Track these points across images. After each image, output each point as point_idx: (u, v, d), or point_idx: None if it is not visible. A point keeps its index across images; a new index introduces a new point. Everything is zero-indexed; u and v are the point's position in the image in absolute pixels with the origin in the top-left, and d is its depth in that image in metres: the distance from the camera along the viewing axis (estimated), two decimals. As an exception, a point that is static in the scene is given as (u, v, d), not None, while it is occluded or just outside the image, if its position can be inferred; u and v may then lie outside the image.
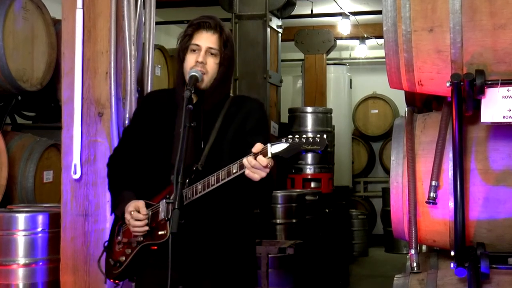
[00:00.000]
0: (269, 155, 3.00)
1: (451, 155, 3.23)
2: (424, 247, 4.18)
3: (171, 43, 10.88)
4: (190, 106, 3.20)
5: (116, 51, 4.29)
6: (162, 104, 3.51)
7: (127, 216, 3.36)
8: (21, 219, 4.58)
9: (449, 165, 3.26)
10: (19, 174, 5.87)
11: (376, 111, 14.77)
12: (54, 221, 4.58)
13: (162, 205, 3.34)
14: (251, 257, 3.59)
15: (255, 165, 3.01)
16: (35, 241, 4.58)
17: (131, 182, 3.53)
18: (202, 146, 3.39)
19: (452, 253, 3.14)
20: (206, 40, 3.38)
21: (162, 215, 3.32)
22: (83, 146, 4.30)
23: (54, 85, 6.31)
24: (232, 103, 3.50)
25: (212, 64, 3.39)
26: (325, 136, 3.00)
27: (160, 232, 3.31)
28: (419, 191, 3.35)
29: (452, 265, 3.09)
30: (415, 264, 3.36)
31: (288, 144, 2.99)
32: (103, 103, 4.30)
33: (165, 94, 3.60)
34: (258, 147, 3.03)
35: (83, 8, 4.32)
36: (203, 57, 3.37)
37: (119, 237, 3.51)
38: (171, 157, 3.37)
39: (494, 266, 3.13)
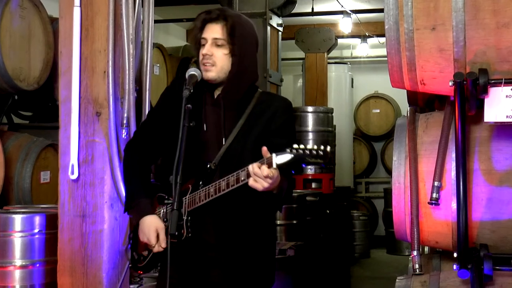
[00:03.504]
0: (274, 165, 2.95)
1: (453, 155, 3.20)
2: (426, 249, 4.17)
3: (170, 42, 10.88)
4: (189, 105, 3.18)
5: (114, 49, 4.25)
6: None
7: (148, 240, 3.33)
8: (17, 220, 4.53)
9: (452, 166, 3.23)
10: (15, 175, 5.83)
11: (378, 110, 14.73)
12: (51, 222, 4.54)
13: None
14: (269, 257, 3.54)
15: (257, 173, 2.97)
16: (32, 242, 4.53)
17: (147, 179, 3.51)
18: (224, 143, 3.36)
19: (455, 255, 3.10)
20: (211, 31, 3.35)
21: None
22: (80, 146, 4.26)
23: (51, 84, 6.28)
24: (259, 100, 3.44)
25: (220, 55, 3.34)
26: (328, 148, 2.94)
27: (177, 233, 3.25)
28: (422, 192, 3.32)
29: (455, 266, 3.05)
30: (417, 266, 3.34)
31: (292, 156, 2.93)
32: (101, 102, 4.26)
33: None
34: (264, 155, 3.00)
35: (80, 6, 4.29)
36: (208, 49, 3.33)
37: None
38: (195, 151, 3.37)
39: (497, 267, 3.09)
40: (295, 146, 2.94)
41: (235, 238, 3.37)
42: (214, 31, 3.34)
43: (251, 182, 3.02)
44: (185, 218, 3.28)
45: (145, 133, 3.58)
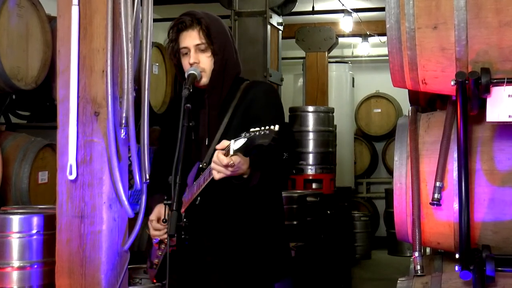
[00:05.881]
0: (231, 152, 2.89)
1: (455, 155, 3.18)
2: (428, 250, 4.16)
3: (170, 41, 10.86)
4: (188, 105, 3.19)
5: (113, 49, 4.21)
6: (179, 102, 3.47)
7: (148, 224, 3.37)
8: (15, 221, 4.50)
9: (454, 166, 3.21)
10: (13, 175, 5.80)
11: (379, 110, 14.72)
12: (49, 223, 4.51)
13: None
14: (270, 255, 3.51)
15: (215, 161, 2.93)
16: (30, 243, 4.51)
17: (164, 183, 3.54)
18: (206, 143, 3.35)
19: (457, 256, 3.08)
20: (189, 39, 3.37)
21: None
22: (79, 146, 4.22)
23: (49, 83, 6.28)
24: (243, 91, 3.46)
25: (205, 60, 3.37)
26: (276, 127, 2.83)
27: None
28: (423, 192, 3.29)
29: (456, 268, 3.03)
30: (419, 267, 3.32)
31: (245, 140, 2.86)
32: (100, 102, 4.22)
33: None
34: (223, 143, 2.96)
35: (79, 5, 4.24)
36: (194, 57, 3.36)
37: (155, 240, 3.57)
38: (191, 155, 3.43)
39: (499, 269, 3.07)
40: (252, 129, 2.86)
41: (232, 239, 3.36)
42: (193, 38, 3.37)
43: (213, 173, 2.98)
44: (164, 220, 3.31)
45: (162, 147, 3.69)
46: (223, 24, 3.51)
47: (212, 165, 2.97)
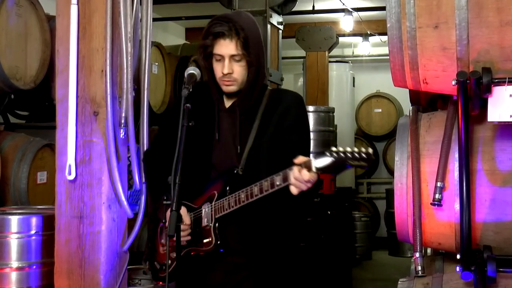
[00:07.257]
0: (313, 169, 2.91)
1: (456, 155, 3.18)
2: (429, 250, 4.15)
3: (169, 40, 10.84)
4: (188, 105, 3.16)
5: (112, 48, 4.20)
6: (201, 101, 3.47)
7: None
8: (14, 221, 4.48)
9: (455, 166, 3.20)
10: (12, 175, 5.78)
11: (380, 110, 14.68)
12: (48, 223, 4.49)
13: (205, 209, 3.33)
14: (294, 256, 3.52)
15: (298, 178, 2.94)
16: (29, 244, 4.48)
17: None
18: (239, 151, 3.35)
19: (458, 256, 3.07)
20: (226, 48, 3.32)
21: (205, 221, 3.32)
22: (78, 146, 4.21)
23: (48, 83, 6.24)
24: (270, 98, 3.45)
25: (239, 70, 3.34)
26: (371, 150, 2.89)
27: (205, 240, 3.31)
28: (424, 193, 3.29)
29: (458, 268, 3.03)
30: (419, 268, 3.31)
31: (333, 159, 2.88)
32: (99, 101, 4.21)
33: (204, 89, 3.52)
34: (300, 159, 2.96)
35: (78, 4, 4.24)
36: (228, 68, 3.32)
37: (163, 240, 3.50)
38: (211, 157, 3.38)
39: (501, 269, 3.07)
40: (334, 149, 2.90)
41: (265, 242, 3.36)
42: (230, 48, 3.33)
43: (292, 188, 2.99)
44: (211, 225, 3.28)
45: (165, 141, 3.59)
46: (259, 32, 3.47)
47: (293, 180, 2.97)
